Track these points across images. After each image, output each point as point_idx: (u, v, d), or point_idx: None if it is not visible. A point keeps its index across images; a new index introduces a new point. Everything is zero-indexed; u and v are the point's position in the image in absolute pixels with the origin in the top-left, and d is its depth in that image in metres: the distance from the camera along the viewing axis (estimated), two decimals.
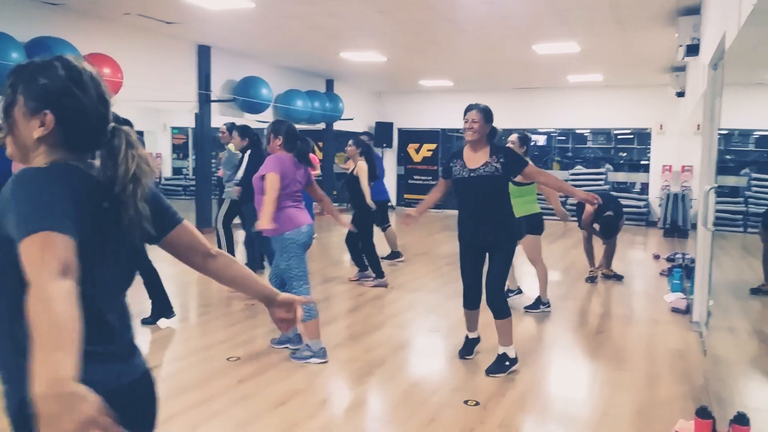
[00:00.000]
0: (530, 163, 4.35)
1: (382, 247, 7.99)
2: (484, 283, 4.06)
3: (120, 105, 5.23)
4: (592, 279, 6.93)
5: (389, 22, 7.66)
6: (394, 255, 7.85)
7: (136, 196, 1.30)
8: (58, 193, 1.16)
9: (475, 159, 3.93)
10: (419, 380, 3.95)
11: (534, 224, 5.53)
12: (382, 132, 14.64)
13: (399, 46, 9.15)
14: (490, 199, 3.93)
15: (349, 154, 6.76)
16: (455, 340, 4.67)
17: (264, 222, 3.93)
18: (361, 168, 6.56)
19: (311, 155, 10.00)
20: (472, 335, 4.32)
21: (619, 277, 7.09)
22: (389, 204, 8.20)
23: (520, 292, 6.12)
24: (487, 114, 3.96)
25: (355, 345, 4.60)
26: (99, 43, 7.63)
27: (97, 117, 1.30)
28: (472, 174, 3.91)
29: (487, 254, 4.03)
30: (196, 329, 5.00)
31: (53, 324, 0.98)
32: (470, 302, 4.16)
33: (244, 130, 6.36)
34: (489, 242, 3.97)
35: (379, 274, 6.55)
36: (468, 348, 4.32)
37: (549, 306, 5.68)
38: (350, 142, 6.77)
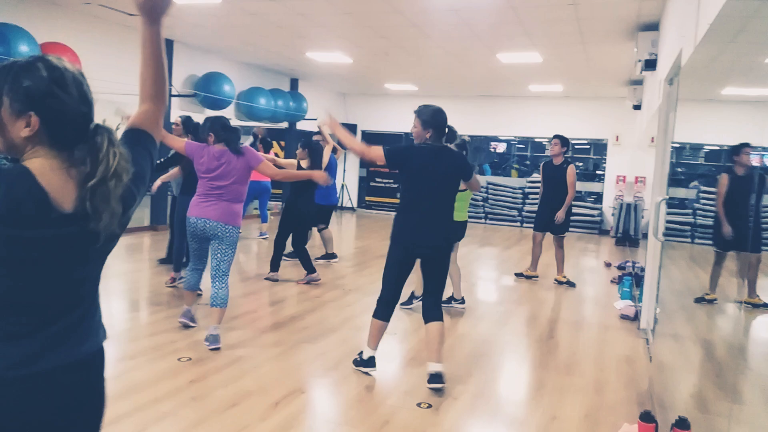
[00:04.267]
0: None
1: (319, 249, 8.04)
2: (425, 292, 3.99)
3: None
4: (524, 276, 7.40)
5: (355, 25, 7.67)
6: (329, 256, 7.92)
7: (115, 193, 1.38)
8: None
9: None
10: (373, 383, 3.96)
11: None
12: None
13: (365, 48, 9.17)
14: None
15: (299, 157, 6.76)
16: (411, 343, 4.71)
17: None
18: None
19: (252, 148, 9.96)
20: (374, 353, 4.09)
21: (571, 284, 7.26)
22: (336, 207, 8.20)
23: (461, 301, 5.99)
24: None
25: (310, 347, 4.58)
26: (57, 32, 7.42)
27: (79, 116, 1.39)
28: None
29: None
30: (146, 329, 4.90)
31: None
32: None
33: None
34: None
35: (311, 269, 6.66)
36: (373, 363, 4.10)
37: (464, 303, 5.89)
38: (299, 145, 6.76)
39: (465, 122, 13.22)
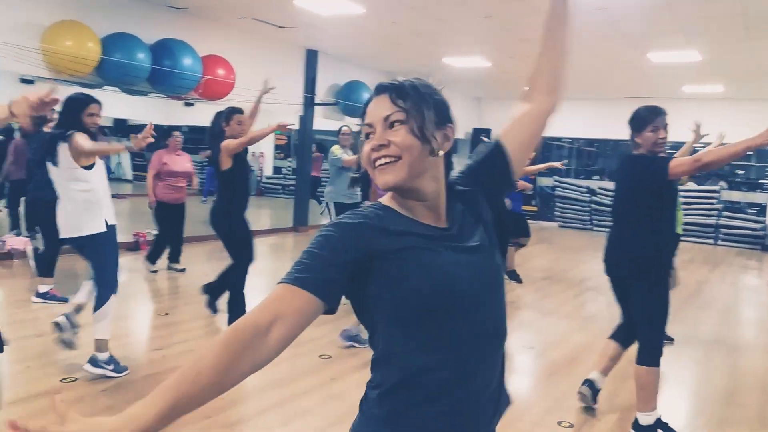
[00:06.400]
0: None
1: None
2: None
3: (232, 106, 5.42)
4: None
5: (496, 28, 7.55)
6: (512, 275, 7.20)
7: None
8: None
9: None
10: (512, 397, 3.84)
11: None
12: (480, 138, 14.48)
13: (504, 51, 9.01)
14: None
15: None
16: (550, 358, 4.53)
17: None
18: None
19: None
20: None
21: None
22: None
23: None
24: None
25: None
26: (215, 45, 8.04)
27: None
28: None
29: None
30: None
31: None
32: None
33: None
34: None
35: None
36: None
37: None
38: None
39: (610, 125, 12.56)
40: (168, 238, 6.66)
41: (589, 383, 3.61)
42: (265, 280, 6.63)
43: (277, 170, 17.18)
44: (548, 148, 14.76)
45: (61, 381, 3.53)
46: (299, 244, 9.11)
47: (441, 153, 1.23)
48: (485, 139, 7.25)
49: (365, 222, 1.18)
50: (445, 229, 1.23)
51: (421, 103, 1.20)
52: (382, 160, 1.18)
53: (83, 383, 3.55)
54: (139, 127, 18.06)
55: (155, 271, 6.64)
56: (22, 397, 3.29)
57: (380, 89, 1.23)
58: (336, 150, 6.46)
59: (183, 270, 6.71)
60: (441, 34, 8.05)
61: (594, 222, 13.14)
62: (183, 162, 6.57)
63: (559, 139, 14.78)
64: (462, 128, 14.25)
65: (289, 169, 16.69)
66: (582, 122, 13.33)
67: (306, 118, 10.08)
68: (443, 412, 1.16)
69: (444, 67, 10.51)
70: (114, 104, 11.93)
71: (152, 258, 6.67)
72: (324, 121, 10.59)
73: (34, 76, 6.79)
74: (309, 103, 9.99)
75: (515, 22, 7.19)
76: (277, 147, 17.38)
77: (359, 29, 8.11)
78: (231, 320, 4.78)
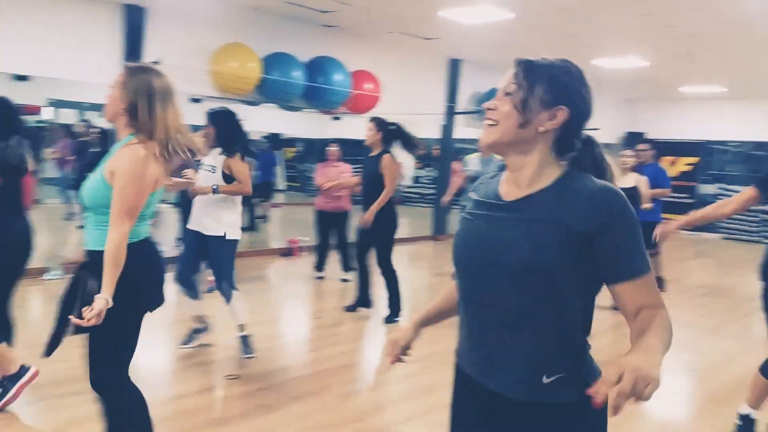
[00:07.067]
0: None
1: None
2: None
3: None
4: None
5: (654, 26, 7.10)
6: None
7: None
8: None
9: None
10: (670, 423, 3.59)
11: None
12: (632, 142, 13.65)
13: (666, 49, 8.44)
14: None
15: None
16: (713, 382, 4.16)
17: None
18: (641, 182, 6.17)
19: None
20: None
21: None
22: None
23: None
24: None
25: None
26: (364, 60, 8.31)
27: (585, 122, 1.35)
28: None
29: None
30: (435, 332, 5.17)
31: None
32: None
33: None
34: None
35: None
36: None
37: None
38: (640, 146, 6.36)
39: None
40: (326, 246, 6.85)
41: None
42: (404, 288, 6.75)
43: (416, 180, 17.44)
44: (709, 153, 13.54)
45: (225, 377, 3.85)
46: (438, 252, 9.17)
47: (540, 129, 1.30)
48: None
49: (477, 182, 1.52)
50: (507, 202, 1.35)
51: (535, 80, 1.30)
52: (487, 122, 1.35)
53: (245, 380, 3.84)
54: (291, 141, 18.90)
55: (321, 278, 6.92)
56: (189, 392, 3.62)
57: (514, 63, 1.38)
58: (467, 158, 6.57)
59: (321, 277, 6.91)
60: (591, 35, 7.72)
61: (764, 234, 11.85)
62: (340, 172, 6.75)
63: (723, 142, 13.50)
64: (612, 131, 13.53)
65: (428, 177, 16.86)
66: (750, 124, 12.14)
67: (447, 127, 10.14)
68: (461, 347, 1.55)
69: (592, 68, 10.06)
70: (271, 119, 12.83)
71: (318, 266, 6.95)
72: (466, 129, 10.58)
73: (202, 96, 7.49)
74: (450, 113, 10.04)
75: (677, 21, 6.71)
76: (416, 156, 17.60)
77: (504, 35, 8.00)
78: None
